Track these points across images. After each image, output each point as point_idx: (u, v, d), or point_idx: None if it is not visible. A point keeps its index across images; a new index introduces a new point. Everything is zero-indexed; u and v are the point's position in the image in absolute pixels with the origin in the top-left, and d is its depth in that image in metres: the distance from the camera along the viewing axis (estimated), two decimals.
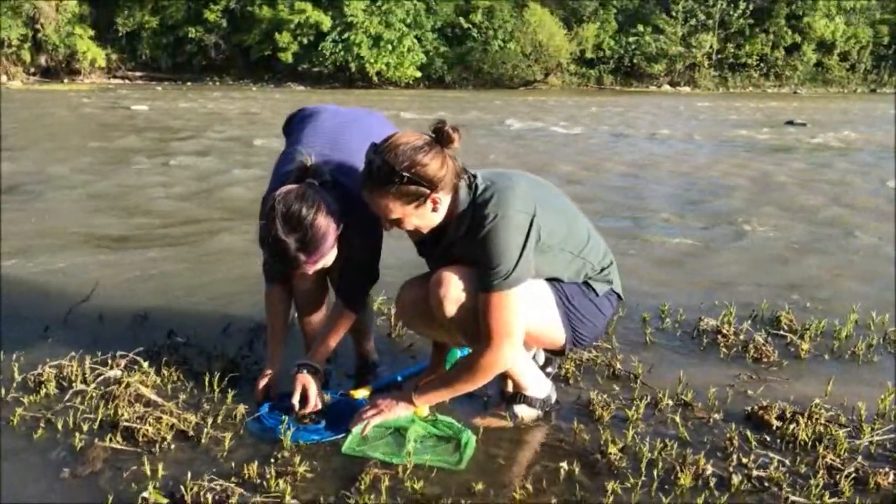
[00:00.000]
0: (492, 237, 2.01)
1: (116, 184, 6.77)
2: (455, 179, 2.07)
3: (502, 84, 36.35)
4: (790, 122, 15.85)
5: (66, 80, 32.27)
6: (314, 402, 2.29)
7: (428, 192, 2.00)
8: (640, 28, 39.81)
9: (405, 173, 1.96)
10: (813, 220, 5.80)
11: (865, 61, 41.79)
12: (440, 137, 2.04)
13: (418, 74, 35.42)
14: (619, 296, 2.34)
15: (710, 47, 40.62)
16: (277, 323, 2.51)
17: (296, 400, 2.29)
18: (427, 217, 2.07)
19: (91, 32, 33.58)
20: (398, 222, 2.08)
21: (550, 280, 2.20)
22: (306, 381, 2.31)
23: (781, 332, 3.14)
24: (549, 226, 2.09)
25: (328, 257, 2.19)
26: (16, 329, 2.99)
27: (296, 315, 2.69)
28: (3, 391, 2.40)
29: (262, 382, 2.42)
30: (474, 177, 2.11)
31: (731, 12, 40.29)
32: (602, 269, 2.27)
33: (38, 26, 32.57)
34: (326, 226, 2.12)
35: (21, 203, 5.84)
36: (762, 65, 41.22)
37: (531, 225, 2.04)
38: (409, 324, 2.49)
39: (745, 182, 7.62)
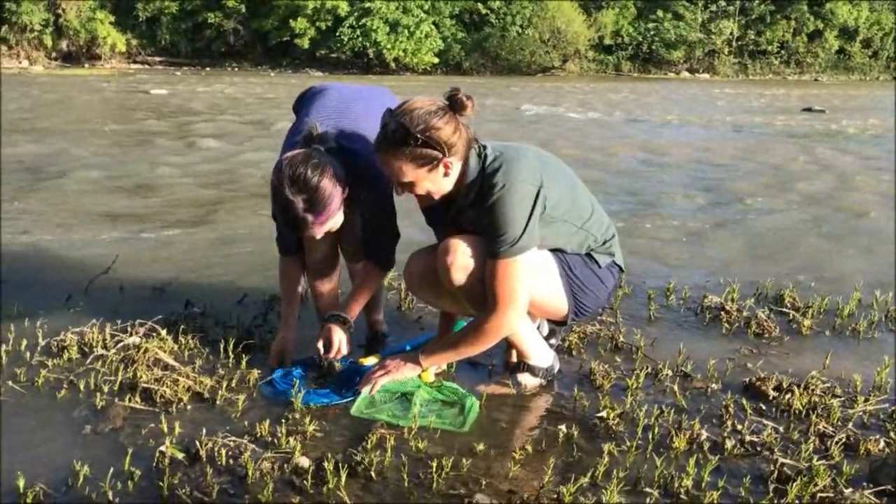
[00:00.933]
0: (500, 205, 2.08)
1: (136, 165, 6.89)
2: (466, 147, 2.14)
3: (520, 70, 36.20)
4: (808, 109, 15.72)
5: (86, 65, 32.54)
6: (337, 348, 2.41)
7: (440, 156, 2.07)
8: (660, 14, 39.46)
9: (420, 135, 2.03)
10: (824, 203, 5.82)
11: (888, 48, 41.20)
12: (454, 104, 2.11)
13: (436, 61, 35.34)
14: (620, 268, 2.41)
15: (731, 34, 40.21)
16: (291, 291, 2.62)
17: (320, 345, 2.41)
18: (438, 182, 2.14)
19: (111, 18, 33.79)
20: (410, 186, 2.14)
21: (554, 251, 2.27)
22: (333, 329, 2.43)
23: (784, 310, 3.19)
24: (555, 197, 2.16)
25: (335, 219, 2.27)
26: (39, 298, 3.11)
27: (308, 289, 2.78)
28: (28, 355, 2.51)
29: (277, 347, 2.52)
30: (484, 147, 2.19)
31: None
32: (604, 242, 2.34)
33: (60, 11, 32.82)
34: (332, 187, 2.20)
35: (44, 182, 5.97)
36: (783, 52, 40.77)
37: (538, 195, 2.11)
38: (416, 293, 2.56)
39: (757, 167, 7.62)
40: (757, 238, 4.67)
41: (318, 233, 2.27)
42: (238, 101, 15.37)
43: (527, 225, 2.09)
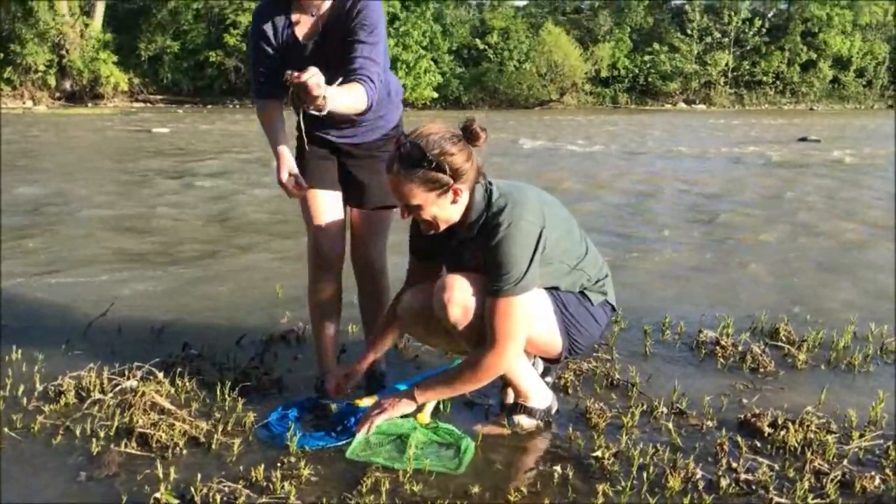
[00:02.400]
0: (505, 244, 2.11)
1: (136, 205, 6.95)
2: (475, 178, 2.18)
3: (518, 104, 36.60)
4: (803, 139, 15.84)
5: (89, 104, 32.87)
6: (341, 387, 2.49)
7: (451, 182, 2.11)
8: (655, 47, 39.99)
9: (434, 159, 2.07)
10: (819, 234, 5.85)
11: (882, 77, 41.62)
12: (468, 134, 2.15)
13: (435, 95, 35.72)
14: (613, 307, 2.43)
15: (726, 65, 40.69)
16: (277, 133, 2.51)
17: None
18: (446, 208, 2.16)
19: (114, 57, 34.23)
20: (417, 209, 2.16)
21: (549, 289, 2.30)
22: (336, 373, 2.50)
23: (779, 344, 3.20)
24: (554, 238, 2.20)
25: None
26: (38, 341, 3.12)
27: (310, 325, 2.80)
28: (25, 400, 2.52)
29: (284, 175, 2.43)
30: (490, 183, 2.23)
31: (747, 30, 40.41)
32: (597, 281, 2.37)
33: (64, 52, 33.26)
34: None
35: (44, 223, 6.02)
36: (778, 82, 41.21)
37: (540, 236, 2.15)
38: (408, 329, 2.53)
39: (753, 198, 7.68)
40: (752, 271, 4.69)
41: None
42: (239, 139, 15.51)
43: (529, 265, 2.12)
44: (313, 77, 1.93)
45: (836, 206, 7.20)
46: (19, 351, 2.95)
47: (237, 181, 8.58)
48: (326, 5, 2.40)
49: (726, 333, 3.24)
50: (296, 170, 2.46)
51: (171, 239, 5.51)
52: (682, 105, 39.61)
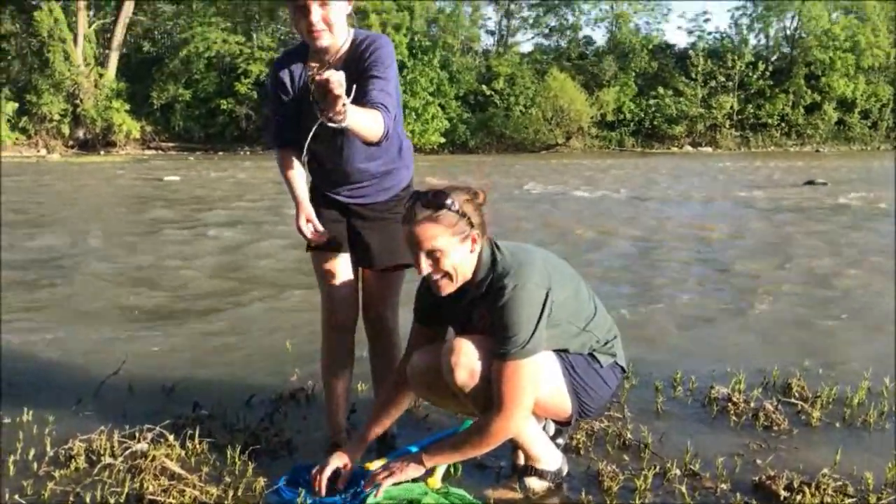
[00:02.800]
0: (511, 307, 2.13)
1: (147, 256, 7.00)
2: (485, 231, 2.23)
3: (525, 148, 36.89)
4: (810, 182, 15.88)
5: (102, 152, 33.33)
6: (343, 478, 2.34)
7: (470, 228, 2.18)
8: (660, 91, 40.36)
9: (453, 200, 2.15)
10: (830, 283, 5.82)
11: (887, 119, 41.81)
12: (469, 193, 2.25)
13: (442, 140, 36.07)
14: (623, 368, 2.43)
15: (731, 108, 40.97)
16: (295, 180, 2.57)
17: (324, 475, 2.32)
18: (465, 257, 2.20)
19: (127, 106, 34.83)
20: (438, 255, 2.16)
21: (557, 351, 2.30)
22: (341, 457, 2.37)
23: (792, 400, 3.18)
24: (561, 300, 2.22)
25: (338, 3, 2.34)
26: (49, 402, 3.13)
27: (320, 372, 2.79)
28: (35, 465, 2.52)
29: (303, 221, 2.51)
30: (497, 245, 2.26)
31: (751, 73, 40.76)
32: (606, 343, 2.37)
33: (78, 101, 33.88)
34: None
35: (56, 276, 6.07)
36: (783, 124, 41.41)
37: (546, 298, 2.17)
38: (417, 390, 2.52)
39: (761, 245, 7.67)
40: (762, 321, 4.67)
41: (320, 9, 2.30)
42: (250, 186, 15.67)
43: (535, 328, 2.13)
44: (335, 75, 1.89)
45: (846, 253, 7.19)
46: (30, 412, 2.96)
47: (247, 231, 8.65)
48: (343, 50, 2.46)
49: (738, 389, 3.22)
50: (314, 216, 2.52)
51: (181, 293, 5.54)
52: (689, 148, 39.82)
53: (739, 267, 6.49)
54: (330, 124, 1.98)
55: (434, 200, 2.16)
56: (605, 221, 9.63)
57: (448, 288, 2.24)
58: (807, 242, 7.85)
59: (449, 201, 2.15)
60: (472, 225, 2.18)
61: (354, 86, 2.14)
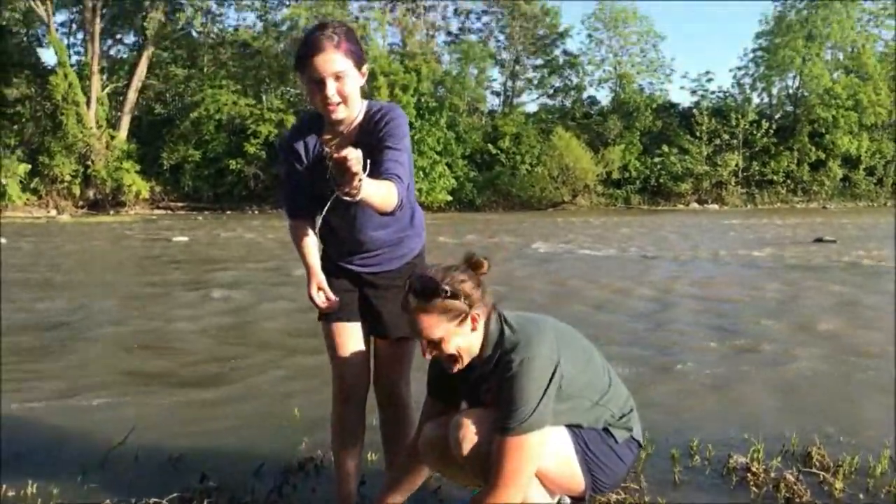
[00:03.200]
0: (515, 381, 2.10)
1: (154, 320, 6.99)
2: (488, 306, 2.19)
3: (531, 206, 37.14)
4: (819, 240, 15.86)
5: (111, 212, 33.71)
6: None
7: (468, 308, 2.14)
8: (665, 149, 40.81)
9: (447, 287, 2.11)
10: (844, 343, 5.75)
11: (892, 175, 42.06)
12: (471, 264, 2.22)
13: (449, 198, 36.39)
14: (639, 443, 2.38)
15: (736, 165, 41.33)
16: (307, 249, 2.59)
17: None
18: (468, 337, 2.17)
19: (137, 166, 35.35)
20: (440, 343, 2.16)
21: (570, 426, 2.26)
22: None
23: (813, 470, 3.09)
24: (572, 373, 2.18)
25: (352, 74, 2.35)
26: (55, 474, 3.07)
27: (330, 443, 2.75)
28: None
29: (314, 290, 2.52)
30: (504, 317, 2.23)
31: (755, 132, 41.23)
32: (622, 416, 2.32)
33: (89, 162, 34.42)
34: (361, 47, 2.41)
35: (62, 341, 6.05)
36: (789, 181, 41.69)
37: (554, 372, 2.13)
38: (426, 460, 2.49)
39: (773, 305, 7.61)
40: (778, 385, 4.60)
41: (332, 65, 2.30)
42: (258, 247, 15.75)
43: (539, 403, 2.09)
44: (353, 153, 1.89)
45: (859, 313, 7.12)
46: (34, 485, 2.91)
47: (254, 293, 8.64)
48: (357, 122, 2.48)
49: (757, 458, 3.15)
50: (325, 284, 2.52)
51: (188, 358, 5.50)
52: (695, 205, 40.02)
53: (753, 328, 6.43)
54: (345, 198, 1.99)
55: (424, 290, 2.13)
56: (613, 281, 9.60)
57: (457, 366, 2.24)
58: (820, 302, 7.79)
59: (441, 288, 2.11)
60: (470, 305, 2.14)
61: (369, 161, 2.16)
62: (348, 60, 2.34)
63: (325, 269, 2.60)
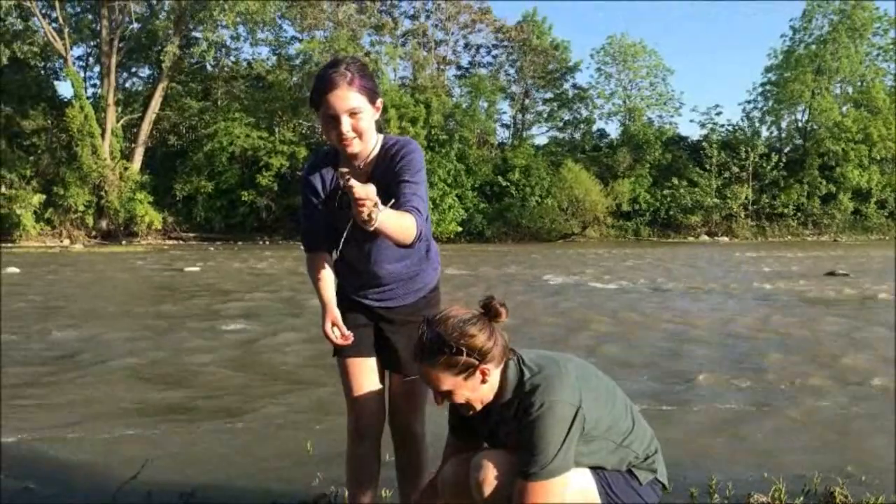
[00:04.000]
0: (536, 426, 2.07)
1: (166, 351, 6.98)
2: (503, 354, 2.16)
3: (541, 237, 37.18)
4: (831, 273, 15.75)
5: (123, 242, 33.93)
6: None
7: (477, 363, 2.10)
8: (675, 181, 40.88)
9: (455, 343, 2.07)
10: (864, 381, 5.66)
11: None
12: (489, 312, 2.16)
13: (459, 229, 36.53)
14: (663, 485, 2.33)
15: (746, 198, 41.33)
16: (323, 283, 2.56)
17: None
18: (477, 389, 2.14)
19: (150, 198, 35.66)
20: (449, 395, 2.15)
21: (594, 468, 2.22)
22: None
23: None
24: (594, 416, 2.14)
25: (366, 110, 2.38)
26: None
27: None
28: None
29: (328, 326, 2.48)
30: (522, 359, 2.20)
31: (764, 164, 41.28)
32: (646, 458, 2.28)
33: (103, 193, 34.75)
34: (375, 82, 2.45)
35: (73, 372, 6.04)
36: (799, 214, 41.63)
37: (576, 416, 2.10)
38: (447, 500, 2.48)
39: (789, 341, 7.53)
40: (798, 423, 4.52)
41: (346, 102, 2.33)
42: (269, 277, 15.77)
43: (561, 448, 2.06)
44: (365, 188, 1.95)
45: (877, 348, 7.03)
46: None
47: (266, 324, 8.63)
48: (373, 155, 2.49)
49: (779, 499, 3.09)
50: (340, 320, 2.49)
51: (200, 390, 5.48)
52: (705, 237, 39.96)
53: (768, 363, 6.35)
54: (362, 227, 2.03)
55: (431, 346, 2.11)
56: (626, 314, 9.54)
57: (471, 411, 2.22)
58: (836, 337, 7.70)
59: (448, 343, 2.08)
60: (480, 359, 2.10)
61: (385, 194, 2.19)
62: (362, 97, 2.37)
63: (340, 303, 2.58)
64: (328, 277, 2.56)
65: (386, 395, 2.67)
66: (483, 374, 2.12)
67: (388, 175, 2.42)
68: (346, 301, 2.61)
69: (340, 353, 2.60)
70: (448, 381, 2.12)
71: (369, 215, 1.97)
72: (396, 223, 2.14)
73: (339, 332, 2.49)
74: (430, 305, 2.61)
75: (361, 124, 2.38)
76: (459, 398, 2.15)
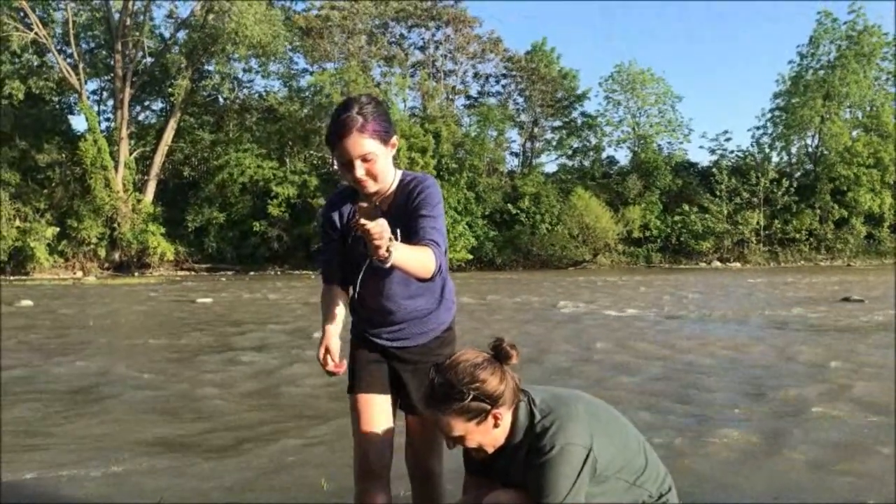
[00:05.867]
0: (547, 469, 2.06)
1: (178, 384, 6.98)
2: (514, 396, 2.15)
3: (551, 264, 37.14)
4: (846, 299, 15.62)
5: (136, 274, 34.10)
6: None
7: (489, 408, 2.09)
8: (685, 208, 40.83)
9: (466, 390, 2.06)
10: (883, 409, 5.59)
11: None
12: (499, 354, 2.15)
13: (469, 257, 36.54)
14: None
15: (757, 223, 41.18)
16: (329, 311, 2.55)
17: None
18: (489, 433, 2.14)
19: (162, 229, 35.91)
20: (461, 440, 2.15)
21: None
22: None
23: None
24: (606, 456, 2.12)
25: (380, 153, 2.38)
26: None
27: None
28: None
29: (322, 351, 2.45)
30: (533, 400, 2.18)
31: (775, 190, 41.17)
32: (660, 497, 2.26)
33: (116, 225, 35.03)
34: (389, 120, 2.43)
35: (88, 406, 6.04)
36: (812, 239, 41.41)
37: (587, 458, 2.08)
38: None
39: (806, 368, 7.46)
40: (819, 453, 4.46)
41: (359, 148, 2.34)
42: (281, 308, 15.79)
43: (571, 490, 2.05)
44: (377, 225, 1.98)
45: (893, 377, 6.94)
46: None
47: (279, 355, 8.63)
48: (391, 190, 2.51)
49: None
50: (334, 347, 2.45)
51: (213, 424, 5.47)
52: (717, 263, 39.77)
53: (785, 391, 6.28)
54: (377, 263, 2.06)
55: (442, 392, 2.11)
56: (639, 342, 9.48)
57: (483, 454, 2.21)
58: (853, 366, 7.60)
59: (459, 390, 2.08)
60: (492, 404, 2.10)
61: (400, 230, 2.21)
62: (374, 141, 2.38)
63: (355, 339, 2.60)
64: (336, 309, 2.56)
65: (404, 432, 2.65)
66: (495, 418, 2.12)
67: (405, 210, 2.44)
68: (360, 339, 2.62)
69: (353, 388, 2.59)
70: (460, 427, 2.12)
71: (387, 250, 2.00)
72: (413, 257, 2.16)
73: (332, 361, 2.43)
74: (444, 345, 2.60)
75: (375, 168, 2.40)
76: (471, 443, 2.16)
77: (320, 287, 2.65)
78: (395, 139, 2.48)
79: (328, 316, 2.54)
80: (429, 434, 2.59)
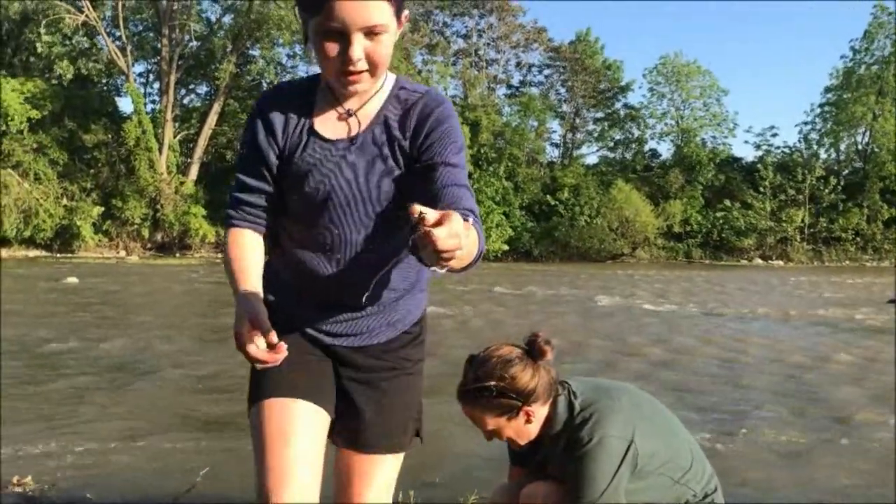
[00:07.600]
0: (584, 462, 2.03)
1: (218, 362, 7.08)
2: (549, 391, 2.11)
3: (589, 257, 36.81)
4: (893, 301, 15.21)
5: (177, 254, 34.69)
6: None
7: (520, 404, 2.06)
8: (728, 203, 40.12)
9: (496, 386, 2.04)
10: None
11: None
12: (532, 350, 2.11)
13: (506, 248, 36.42)
14: None
15: (802, 221, 40.29)
16: (248, 265, 1.61)
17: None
18: (522, 429, 2.12)
19: (204, 212, 36.43)
20: (495, 433, 2.13)
21: None
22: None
23: None
24: (649, 450, 2.08)
25: (391, 29, 1.46)
26: None
27: None
28: None
29: (245, 330, 1.48)
30: (574, 393, 2.15)
31: (822, 187, 40.23)
32: (705, 497, 2.20)
33: (159, 206, 35.66)
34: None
35: (129, 382, 6.17)
36: (858, 238, 40.37)
37: (627, 451, 2.04)
38: None
39: (850, 370, 7.29)
40: (862, 457, 4.36)
41: (366, 14, 1.41)
42: None
43: (608, 485, 2.01)
44: (453, 237, 1.11)
45: None
46: None
47: None
48: (378, 99, 1.59)
49: None
50: (264, 320, 1.47)
51: None
52: (759, 261, 39.05)
53: (828, 393, 6.15)
54: (432, 269, 1.18)
55: (473, 387, 2.08)
56: (678, 338, 9.36)
57: (517, 446, 2.19)
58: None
59: (489, 386, 2.04)
60: (524, 401, 2.06)
61: (412, 185, 1.54)
62: (390, 8, 1.46)
63: (280, 333, 1.48)
64: (255, 260, 1.63)
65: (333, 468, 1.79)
66: (528, 414, 2.09)
67: (411, 144, 1.56)
68: (289, 332, 1.62)
69: (263, 389, 1.67)
70: (491, 422, 2.10)
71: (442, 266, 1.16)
72: (467, 252, 1.21)
73: (266, 346, 1.46)
74: (412, 346, 1.76)
75: (381, 50, 1.47)
76: (504, 436, 2.14)
77: (227, 234, 1.67)
78: (405, 15, 1.55)
79: (247, 272, 1.59)
80: (371, 477, 1.76)
